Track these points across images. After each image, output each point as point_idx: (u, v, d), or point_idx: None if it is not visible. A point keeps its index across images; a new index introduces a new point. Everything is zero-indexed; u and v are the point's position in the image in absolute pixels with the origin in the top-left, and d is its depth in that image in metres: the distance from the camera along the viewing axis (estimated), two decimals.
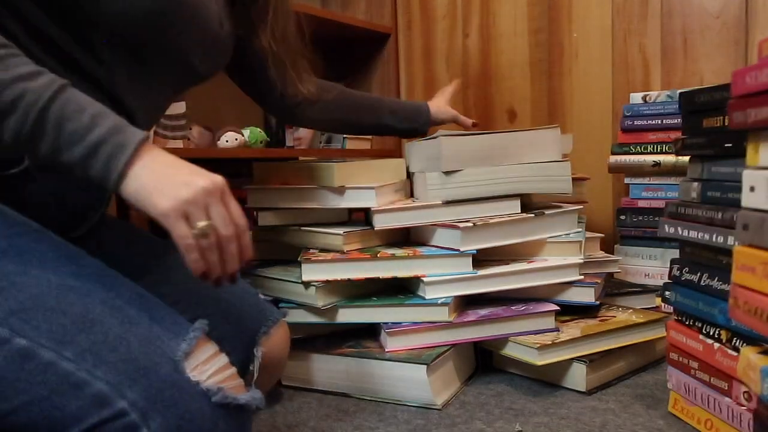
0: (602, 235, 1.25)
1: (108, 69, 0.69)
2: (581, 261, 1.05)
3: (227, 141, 1.49)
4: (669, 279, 0.83)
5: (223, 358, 0.62)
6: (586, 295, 1.05)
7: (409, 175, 1.17)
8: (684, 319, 0.81)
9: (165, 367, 0.56)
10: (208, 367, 0.59)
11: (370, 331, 1.05)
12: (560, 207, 1.12)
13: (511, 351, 0.99)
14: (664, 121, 1.35)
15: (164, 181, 0.57)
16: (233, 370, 0.62)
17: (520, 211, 1.06)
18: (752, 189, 0.57)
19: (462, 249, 0.99)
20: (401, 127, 1.22)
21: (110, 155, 0.56)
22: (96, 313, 0.57)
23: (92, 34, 0.67)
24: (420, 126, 1.24)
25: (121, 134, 0.57)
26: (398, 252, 1.00)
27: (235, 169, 1.67)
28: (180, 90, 0.85)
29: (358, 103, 1.18)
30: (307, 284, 0.98)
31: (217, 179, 0.59)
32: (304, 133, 1.75)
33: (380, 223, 1.02)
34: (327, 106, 1.12)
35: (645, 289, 1.20)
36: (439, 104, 1.28)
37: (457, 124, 1.31)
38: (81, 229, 0.76)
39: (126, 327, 0.57)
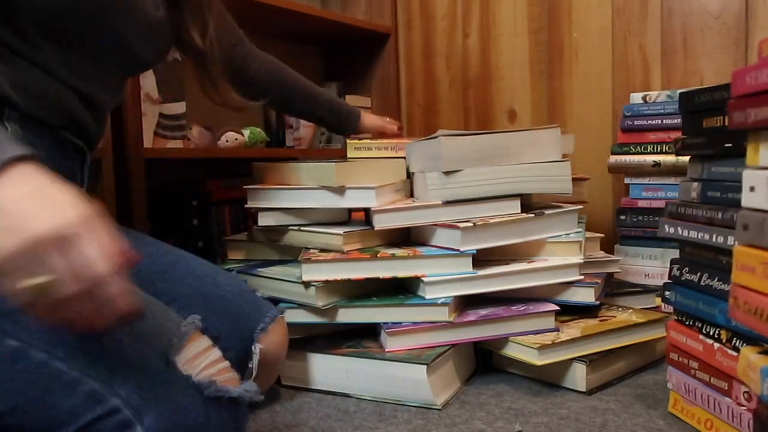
0: (602, 235, 1.25)
1: (46, 56, 0.69)
2: (581, 261, 1.05)
3: (227, 141, 1.49)
4: (669, 279, 0.83)
5: (216, 352, 0.62)
6: (586, 295, 1.05)
7: (409, 175, 1.17)
8: (684, 319, 0.81)
9: (156, 362, 0.57)
10: (200, 362, 0.60)
11: (370, 331, 1.04)
12: (560, 207, 1.12)
13: (511, 351, 0.99)
14: (664, 121, 1.35)
15: None
16: (226, 363, 0.63)
17: (520, 211, 1.06)
18: (752, 189, 0.57)
19: (462, 249, 0.99)
20: (332, 124, 1.30)
21: None
22: None
23: (23, 22, 0.66)
24: (348, 129, 1.32)
25: None
26: (398, 252, 1.00)
27: (235, 169, 1.68)
28: (130, 74, 0.84)
29: (295, 88, 1.23)
30: (307, 284, 0.98)
31: (73, 217, 0.45)
32: (304, 133, 1.75)
33: (380, 223, 1.02)
34: (261, 80, 1.15)
35: (645, 289, 1.20)
36: (369, 116, 1.37)
37: (383, 133, 1.37)
38: None
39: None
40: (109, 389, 0.54)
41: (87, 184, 0.80)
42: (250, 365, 0.80)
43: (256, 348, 0.81)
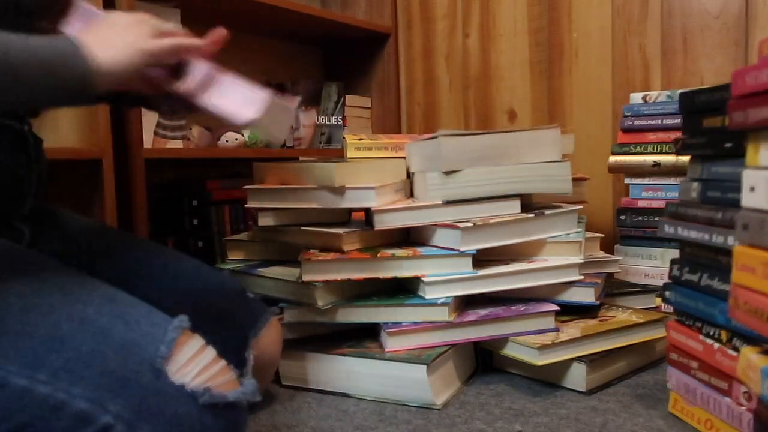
0: (602, 235, 1.25)
1: None
2: (581, 261, 1.05)
3: (227, 141, 1.49)
4: (669, 279, 0.83)
5: (210, 353, 0.60)
6: (586, 295, 1.05)
7: (409, 175, 1.17)
8: (684, 319, 0.81)
9: (146, 374, 0.55)
10: (192, 367, 0.58)
11: (370, 331, 1.05)
12: (560, 207, 1.12)
13: (511, 351, 0.99)
14: (664, 121, 1.35)
15: (122, 54, 0.63)
16: (222, 364, 0.60)
17: (520, 211, 1.06)
18: (752, 189, 0.57)
19: (462, 249, 0.99)
20: None
21: (77, 75, 0.59)
22: (65, 329, 0.55)
23: None
24: None
25: (66, 55, 0.59)
26: (398, 252, 1.00)
27: (235, 169, 1.68)
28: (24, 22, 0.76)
29: None
30: (307, 284, 0.98)
31: (136, 21, 0.66)
32: (304, 133, 1.75)
33: (380, 223, 1.02)
34: None
35: (645, 289, 1.20)
36: None
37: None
38: (22, 209, 0.75)
39: (99, 339, 0.55)
40: (98, 407, 0.52)
41: (40, 168, 0.77)
42: (244, 371, 0.79)
43: (250, 354, 0.79)
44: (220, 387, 0.58)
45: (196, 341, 0.61)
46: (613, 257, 1.18)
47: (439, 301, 0.97)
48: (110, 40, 0.63)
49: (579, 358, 0.94)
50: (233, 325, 0.81)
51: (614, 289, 1.20)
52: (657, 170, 1.34)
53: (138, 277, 0.81)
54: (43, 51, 0.57)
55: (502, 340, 0.99)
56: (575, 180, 1.24)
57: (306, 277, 0.98)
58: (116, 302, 0.60)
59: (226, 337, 0.79)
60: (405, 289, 1.05)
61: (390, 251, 1.01)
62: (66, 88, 0.59)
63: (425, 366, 0.90)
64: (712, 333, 0.76)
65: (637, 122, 1.38)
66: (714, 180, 0.76)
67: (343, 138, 1.23)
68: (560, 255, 1.07)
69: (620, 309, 1.10)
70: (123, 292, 0.63)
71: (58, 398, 0.52)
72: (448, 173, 1.03)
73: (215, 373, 0.59)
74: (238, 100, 0.75)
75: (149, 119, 1.33)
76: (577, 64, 1.62)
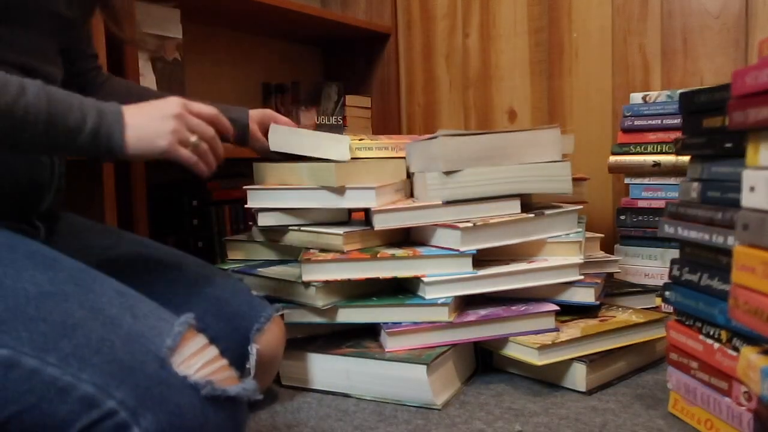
0: (602, 235, 1.25)
1: None
2: (581, 261, 1.05)
3: None
4: (669, 279, 0.83)
5: (212, 351, 0.62)
6: (586, 295, 1.05)
7: (409, 175, 1.17)
8: (684, 319, 0.81)
9: (151, 364, 0.57)
10: (196, 361, 0.59)
11: (370, 331, 1.05)
12: (560, 207, 1.12)
13: (511, 351, 0.99)
14: (664, 121, 1.35)
15: (150, 129, 0.68)
16: (223, 362, 0.62)
17: (520, 211, 1.06)
18: (752, 189, 0.57)
19: (462, 249, 0.99)
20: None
21: (108, 136, 0.66)
22: (76, 317, 0.57)
23: None
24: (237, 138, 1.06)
25: (105, 116, 0.66)
26: (398, 252, 1.00)
27: (235, 169, 1.68)
28: (62, 37, 0.81)
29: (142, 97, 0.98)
30: (307, 284, 0.98)
31: (176, 101, 0.71)
32: None
33: (380, 223, 1.02)
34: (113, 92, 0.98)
35: (645, 289, 1.20)
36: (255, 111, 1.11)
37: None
38: (41, 206, 0.77)
39: (108, 328, 0.57)
40: (103, 392, 0.54)
41: (60, 169, 0.78)
42: (247, 366, 0.80)
43: (253, 348, 0.81)
44: (222, 382, 0.59)
45: (201, 338, 0.62)
46: (613, 257, 1.18)
47: (439, 301, 0.97)
48: (146, 129, 0.69)
49: (579, 358, 0.94)
50: (236, 320, 0.82)
51: (614, 289, 1.20)
52: (657, 170, 1.34)
53: (143, 274, 0.82)
54: (84, 119, 0.64)
55: (502, 340, 0.99)
56: (575, 180, 1.24)
57: (306, 277, 0.98)
58: (126, 296, 0.63)
59: (230, 332, 0.80)
60: (405, 289, 1.05)
61: (390, 251, 1.01)
62: (89, 154, 0.67)
63: (425, 366, 0.90)
64: (712, 333, 0.76)
65: (637, 122, 1.38)
66: (714, 180, 0.76)
67: None
68: (560, 255, 1.07)
69: (620, 309, 1.10)
70: (132, 289, 0.65)
71: (65, 381, 0.54)
72: (448, 173, 1.03)
73: (217, 369, 0.61)
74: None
75: None
76: (577, 64, 1.62)
